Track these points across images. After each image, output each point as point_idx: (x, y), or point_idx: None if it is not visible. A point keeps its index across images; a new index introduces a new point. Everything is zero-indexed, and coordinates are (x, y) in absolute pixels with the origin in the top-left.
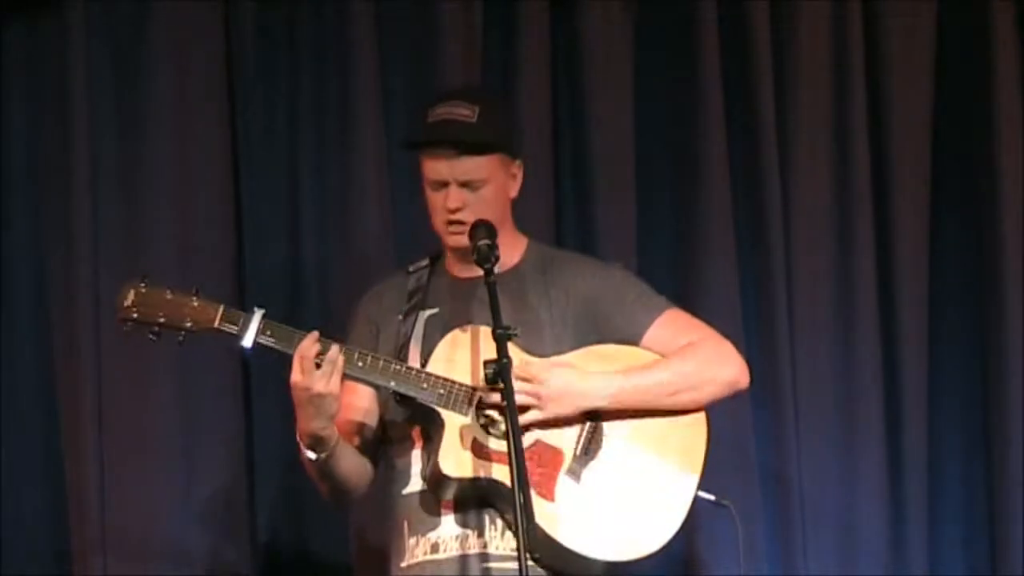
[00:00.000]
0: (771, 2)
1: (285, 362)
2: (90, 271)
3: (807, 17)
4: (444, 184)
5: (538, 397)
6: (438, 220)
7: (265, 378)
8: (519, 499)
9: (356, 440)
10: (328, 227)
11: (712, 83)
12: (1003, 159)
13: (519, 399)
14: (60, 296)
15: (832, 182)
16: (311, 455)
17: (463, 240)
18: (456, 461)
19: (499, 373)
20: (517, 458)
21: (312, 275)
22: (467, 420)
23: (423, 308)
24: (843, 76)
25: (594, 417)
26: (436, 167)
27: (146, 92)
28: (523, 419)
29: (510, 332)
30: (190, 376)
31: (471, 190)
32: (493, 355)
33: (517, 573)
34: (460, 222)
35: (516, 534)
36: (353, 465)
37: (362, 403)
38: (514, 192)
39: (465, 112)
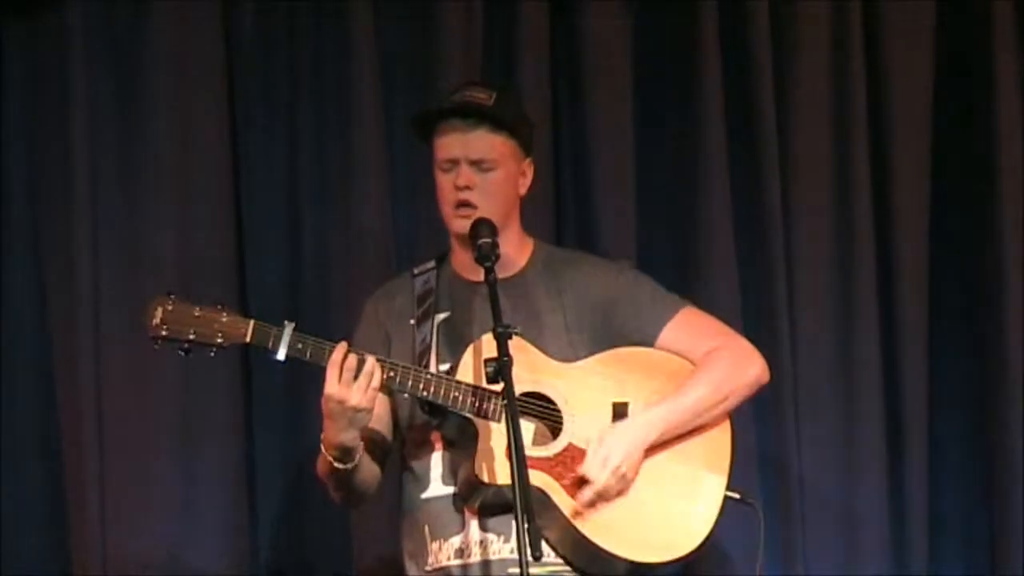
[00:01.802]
0: (771, 2)
1: (313, 372)
2: (90, 271)
3: (807, 17)
4: (455, 163)
5: (617, 471)
6: (446, 205)
7: (266, 383)
8: (519, 500)
9: (371, 447)
10: (328, 227)
11: (712, 82)
12: (1003, 158)
13: (615, 489)
14: (60, 297)
15: (832, 180)
16: (338, 466)
17: (468, 225)
18: (492, 468)
19: (499, 371)
20: (518, 458)
21: (312, 275)
22: (500, 427)
23: (436, 312)
24: (843, 75)
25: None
26: (449, 143)
27: (146, 92)
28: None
29: (510, 331)
30: (191, 382)
31: (481, 171)
32: (515, 362)
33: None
34: (468, 204)
35: (517, 532)
36: (369, 473)
37: (377, 409)
38: (523, 190)
39: (482, 96)
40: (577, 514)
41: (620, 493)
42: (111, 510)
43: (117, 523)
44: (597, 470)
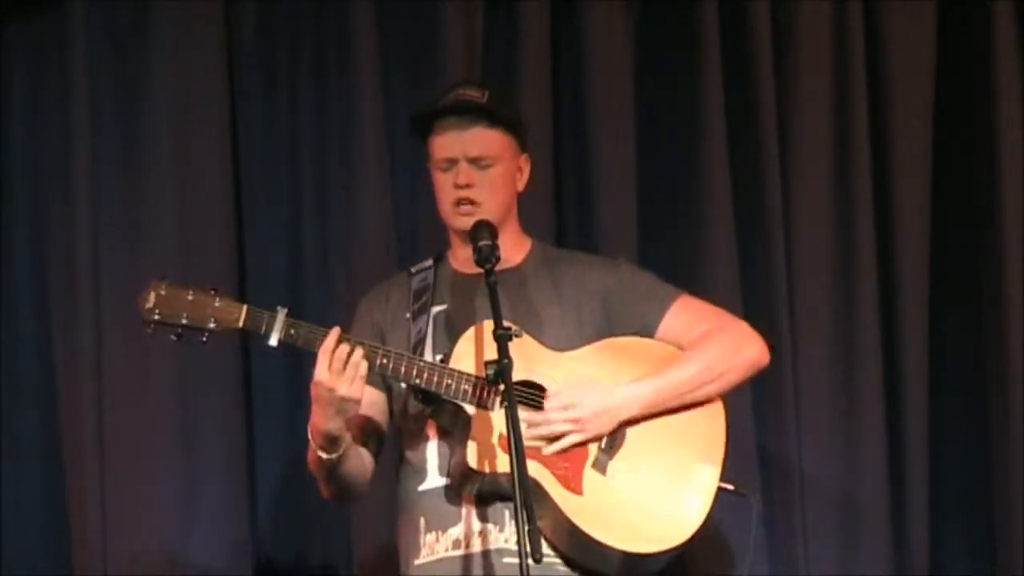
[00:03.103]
0: (772, 2)
1: (305, 358)
2: (90, 271)
3: (808, 17)
4: (453, 162)
5: (577, 422)
6: (446, 203)
7: (266, 381)
8: (519, 499)
9: (360, 434)
10: (329, 226)
11: (713, 83)
12: (1004, 158)
13: (560, 428)
14: (60, 296)
15: (832, 179)
16: (323, 455)
17: (470, 221)
18: (484, 456)
19: (500, 373)
20: (518, 458)
21: (313, 274)
22: (494, 415)
23: (433, 305)
24: (844, 76)
25: None
26: (446, 142)
27: (146, 92)
28: (566, 441)
29: (511, 332)
30: (191, 378)
31: (480, 168)
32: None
33: (539, 568)
34: (469, 200)
35: (517, 534)
36: (358, 464)
37: (370, 396)
38: (521, 186)
39: (475, 93)
40: (570, 505)
41: (570, 439)
42: (111, 510)
43: (117, 523)
44: (555, 411)
